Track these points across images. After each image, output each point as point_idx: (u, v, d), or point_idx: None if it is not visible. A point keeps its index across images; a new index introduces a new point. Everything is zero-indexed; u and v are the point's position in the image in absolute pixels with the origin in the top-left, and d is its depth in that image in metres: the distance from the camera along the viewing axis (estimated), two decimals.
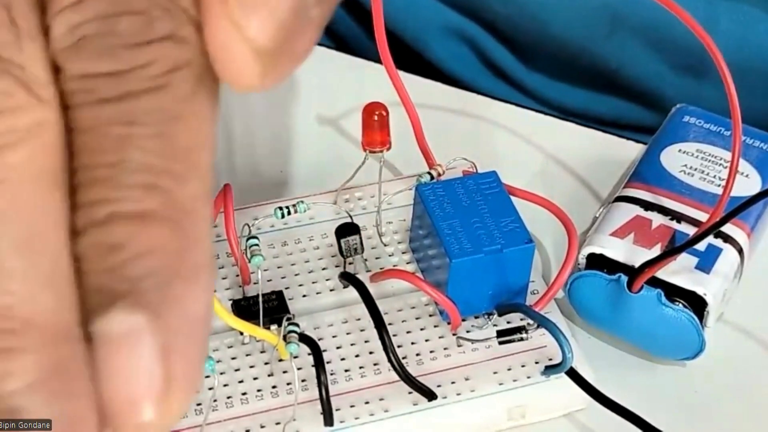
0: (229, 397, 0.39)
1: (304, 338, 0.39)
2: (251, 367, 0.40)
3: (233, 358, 0.40)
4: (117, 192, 0.24)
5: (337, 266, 0.43)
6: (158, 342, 0.24)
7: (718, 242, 0.42)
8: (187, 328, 0.24)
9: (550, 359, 0.40)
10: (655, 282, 0.40)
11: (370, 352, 0.41)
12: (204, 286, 0.25)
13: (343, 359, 0.40)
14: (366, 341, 0.41)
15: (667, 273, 0.40)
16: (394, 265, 0.43)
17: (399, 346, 0.40)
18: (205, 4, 0.25)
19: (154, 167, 0.24)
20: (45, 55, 0.25)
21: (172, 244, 0.24)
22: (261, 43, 0.24)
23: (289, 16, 0.24)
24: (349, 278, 0.41)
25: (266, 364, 0.40)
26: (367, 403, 0.39)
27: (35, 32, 0.25)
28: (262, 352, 0.40)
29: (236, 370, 0.40)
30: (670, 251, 0.40)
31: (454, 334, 0.41)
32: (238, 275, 0.42)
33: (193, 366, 0.24)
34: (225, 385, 0.39)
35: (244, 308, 0.41)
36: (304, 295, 0.42)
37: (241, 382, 0.40)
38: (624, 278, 0.40)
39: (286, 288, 0.42)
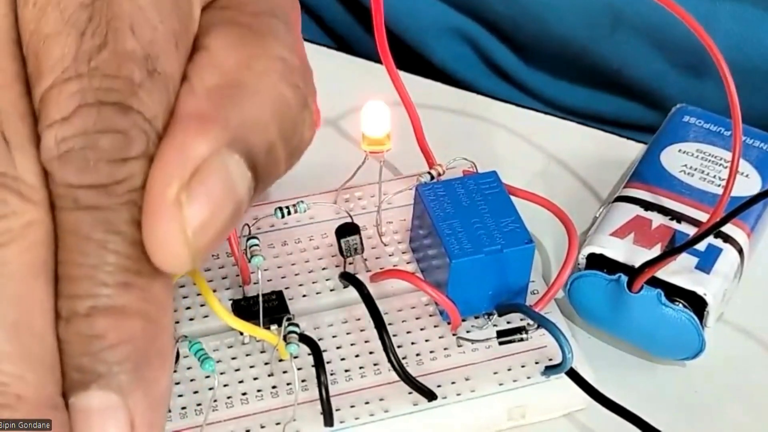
0: (229, 397, 0.39)
1: (304, 338, 0.39)
2: (251, 367, 0.40)
3: (233, 358, 0.40)
4: (97, 289, 0.28)
5: (337, 266, 0.43)
6: (127, 416, 0.28)
7: (718, 242, 0.42)
8: (151, 403, 0.29)
9: (550, 359, 0.40)
10: (655, 282, 0.40)
11: (370, 352, 0.41)
12: (168, 367, 0.29)
13: (343, 359, 0.40)
14: (366, 341, 0.41)
15: (667, 273, 0.40)
16: (394, 265, 0.43)
17: (399, 346, 0.40)
18: (151, 202, 0.28)
19: (130, 269, 0.28)
20: (36, 162, 0.28)
21: (144, 333, 0.28)
22: (198, 246, 0.28)
23: (229, 223, 0.28)
24: (349, 278, 0.41)
25: (266, 364, 0.40)
26: (367, 403, 0.39)
27: (27, 143, 0.28)
28: (262, 352, 0.40)
29: (236, 370, 0.40)
30: (670, 251, 0.40)
31: (454, 335, 0.41)
32: (238, 275, 0.42)
33: None
34: (225, 385, 0.39)
35: (244, 308, 0.41)
36: (304, 295, 0.42)
37: (241, 382, 0.40)
38: (624, 278, 0.40)
39: (286, 288, 0.42)
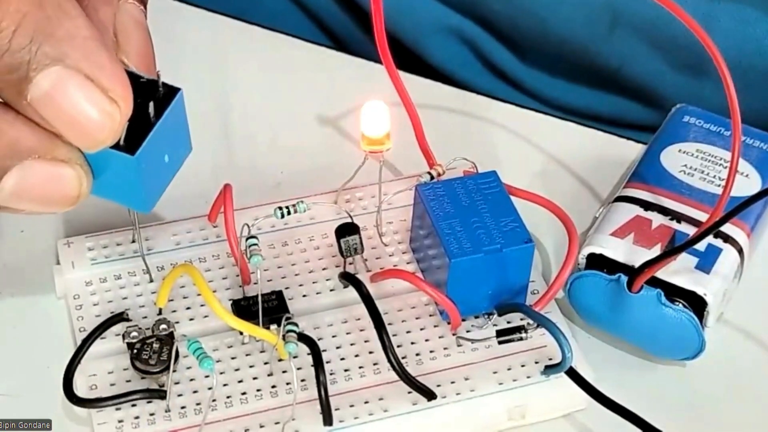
0: (228, 397, 0.39)
1: (304, 338, 0.39)
2: (251, 367, 0.40)
3: (233, 358, 0.40)
4: None
5: (337, 266, 0.43)
6: (78, 76, 0.32)
7: (718, 242, 0.42)
8: (85, 51, 0.33)
9: (550, 359, 0.41)
10: (655, 282, 0.40)
11: (370, 352, 0.41)
12: (73, 12, 0.33)
13: (342, 359, 0.40)
14: (366, 341, 0.41)
15: (667, 273, 0.40)
16: (394, 265, 0.43)
17: (399, 346, 0.40)
18: None
19: None
20: None
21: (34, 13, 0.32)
22: None
23: None
24: (349, 278, 0.41)
25: (266, 364, 0.40)
26: (366, 402, 0.39)
27: None
28: (261, 352, 0.40)
29: (236, 370, 0.40)
30: (670, 251, 0.40)
31: (453, 334, 0.41)
32: (238, 275, 0.42)
33: (113, 67, 0.33)
34: (225, 385, 0.39)
35: (244, 308, 0.41)
36: (304, 295, 0.42)
37: (240, 381, 0.40)
38: (624, 278, 0.40)
39: (286, 288, 0.42)
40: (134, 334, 0.40)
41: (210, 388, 0.38)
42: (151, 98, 0.35)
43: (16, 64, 0.32)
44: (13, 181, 0.34)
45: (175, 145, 0.36)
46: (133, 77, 0.35)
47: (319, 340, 0.39)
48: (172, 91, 0.36)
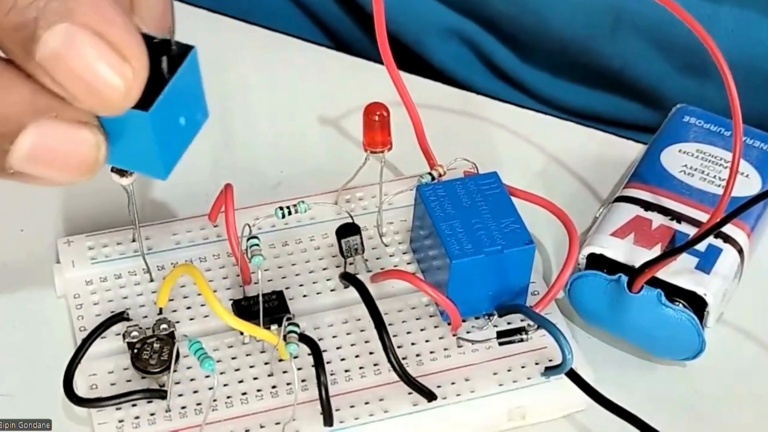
0: (229, 397, 0.39)
1: (304, 338, 0.39)
2: (251, 367, 0.40)
3: (233, 358, 0.40)
4: None
5: (337, 266, 0.43)
6: (87, 31, 0.31)
7: (718, 242, 0.42)
8: (94, 7, 0.31)
9: (550, 360, 0.41)
10: (655, 282, 0.40)
11: (370, 353, 0.41)
12: None
13: (343, 359, 0.40)
14: (366, 341, 0.41)
15: (667, 273, 0.40)
16: (395, 266, 0.43)
17: (399, 347, 0.40)
18: None
19: None
20: None
21: None
22: None
23: None
24: (349, 278, 0.41)
25: (266, 364, 0.40)
26: (366, 403, 0.39)
27: None
28: (262, 352, 0.40)
29: (236, 370, 0.40)
30: (671, 251, 0.40)
31: (454, 335, 0.41)
32: (238, 275, 0.42)
33: (124, 24, 0.31)
34: (225, 385, 0.39)
35: (244, 308, 0.41)
36: (304, 295, 0.42)
37: (241, 382, 0.40)
38: (624, 278, 0.40)
39: (287, 288, 0.42)
40: (135, 333, 0.40)
41: (211, 388, 0.38)
42: (165, 57, 0.33)
43: (23, 22, 0.31)
44: (30, 141, 0.32)
45: (191, 107, 0.35)
46: (147, 38, 0.33)
47: (319, 340, 0.39)
48: (185, 50, 0.34)
